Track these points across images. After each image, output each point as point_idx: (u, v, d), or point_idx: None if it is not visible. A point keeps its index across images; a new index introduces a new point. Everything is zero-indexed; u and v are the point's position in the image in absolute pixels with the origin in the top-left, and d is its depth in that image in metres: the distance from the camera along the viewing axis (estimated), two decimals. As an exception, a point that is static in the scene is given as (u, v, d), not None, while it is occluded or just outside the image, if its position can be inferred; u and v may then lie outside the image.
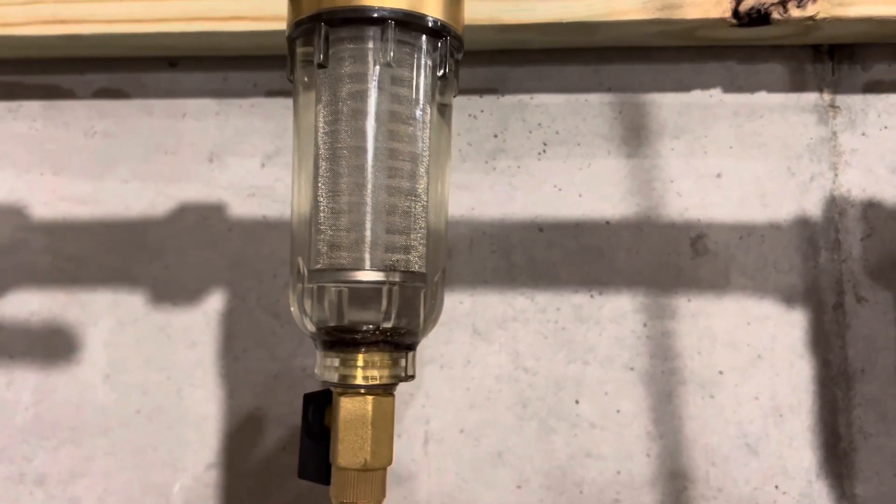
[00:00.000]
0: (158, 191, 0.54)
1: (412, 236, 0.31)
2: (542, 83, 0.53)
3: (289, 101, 0.54)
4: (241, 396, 0.52)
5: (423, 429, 0.51)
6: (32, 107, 0.55)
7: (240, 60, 0.54)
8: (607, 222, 0.52)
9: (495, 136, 0.53)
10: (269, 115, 0.54)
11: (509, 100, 0.53)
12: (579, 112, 0.52)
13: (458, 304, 0.52)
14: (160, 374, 0.53)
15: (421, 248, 0.32)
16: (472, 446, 0.51)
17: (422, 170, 0.32)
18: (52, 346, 0.53)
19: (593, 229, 0.52)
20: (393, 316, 0.31)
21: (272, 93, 0.54)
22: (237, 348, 0.53)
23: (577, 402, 0.51)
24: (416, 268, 0.31)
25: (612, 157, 0.52)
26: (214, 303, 0.53)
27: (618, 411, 0.51)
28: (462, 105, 0.53)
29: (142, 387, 0.53)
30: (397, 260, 0.31)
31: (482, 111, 0.53)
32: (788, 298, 0.50)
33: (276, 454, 0.52)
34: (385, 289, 0.31)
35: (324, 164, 0.31)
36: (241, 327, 0.53)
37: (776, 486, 0.49)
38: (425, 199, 0.32)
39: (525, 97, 0.53)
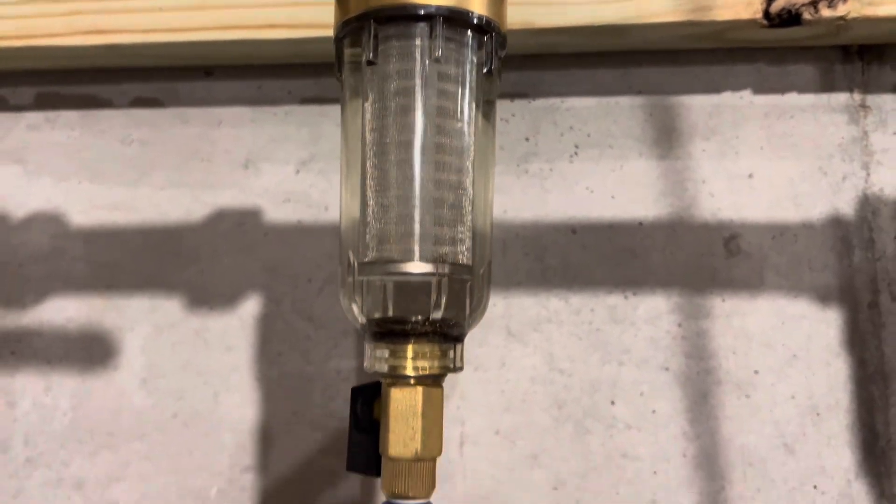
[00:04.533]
0: (194, 197, 0.55)
1: (459, 229, 0.32)
2: (573, 87, 0.53)
3: (322, 109, 0.55)
4: (277, 400, 0.53)
5: (458, 430, 0.51)
6: (70, 116, 0.56)
7: (274, 69, 0.55)
8: (640, 223, 0.52)
9: (527, 139, 0.53)
10: (303, 123, 0.55)
11: (541, 103, 0.53)
12: (610, 114, 0.53)
13: (491, 307, 0.52)
14: (196, 379, 0.53)
15: (467, 240, 0.32)
16: (507, 448, 0.51)
17: (468, 164, 0.32)
18: (90, 351, 0.54)
19: (627, 231, 0.52)
20: (442, 307, 0.31)
21: (306, 100, 0.55)
22: (272, 352, 0.53)
23: (612, 403, 0.51)
24: (463, 260, 0.32)
25: (644, 158, 0.52)
26: (250, 307, 0.53)
27: (653, 412, 0.51)
28: (493, 109, 0.54)
29: (178, 391, 0.53)
30: (446, 252, 0.31)
31: (513, 115, 0.53)
32: (823, 297, 0.50)
33: (313, 457, 0.52)
34: (434, 280, 0.31)
35: (372, 159, 0.32)
36: (276, 331, 0.53)
37: (815, 486, 0.49)
38: (471, 193, 0.32)
39: (556, 101, 0.53)
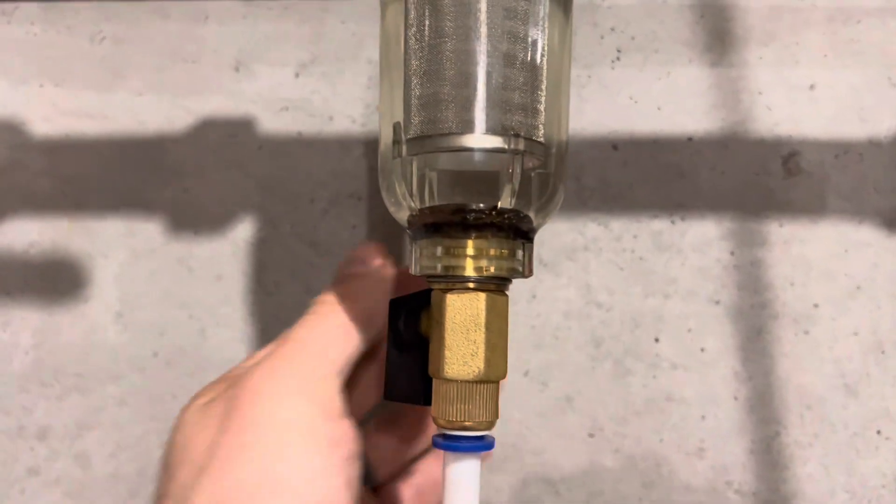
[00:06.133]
0: (177, 104, 0.47)
1: (534, 95, 0.25)
2: (614, -16, 0.47)
3: (325, 3, 0.48)
4: (274, 336, 0.46)
5: (482, 371, 0.45)
6: (30, 9, 0.49)
7: (270, -44, 0.48)
8: (689, 139, 0.46)
9: (562, 42, 0.47)
10: (304, 19, 0.47)
11: (577, 2, 0.47)
12: (656, 15, 0.47)
13: (519, 232, 0.46)
14: (180, 312, 0.46)
15: (542, 111, 0.26)
16: (538, 391, 0.45)
17: (543, 12, 0.26)
18: (56, 280, 0.47)
19: (674, 146, 0.46)
20: (514, 192, 0.25)
21: (308, -7, 0.48)
22: (269, 282, 0.46)
23: (656, 340, 0.45)
24: (538, 135, 0.25)
25: (694, 65, 0.46)
26: (242, 231, 0.47)
27: (702, 350, 0.45)
28: (524, 7, 0.47)
29: (159, 326, 0.46)
30: (518, 122, 0.25)
31: (547, 14, 0.47)
32: (890, 223, 0.45)
33: (316, 400, 0.45)
34: (504, 158, 0.25)
35: (421, 7, 0.25)
36: (274, 258, 0.46)
37: (878, 431, 0.44)
38: (546, 51, 0.26)
39: (595, -2, 0.47)
